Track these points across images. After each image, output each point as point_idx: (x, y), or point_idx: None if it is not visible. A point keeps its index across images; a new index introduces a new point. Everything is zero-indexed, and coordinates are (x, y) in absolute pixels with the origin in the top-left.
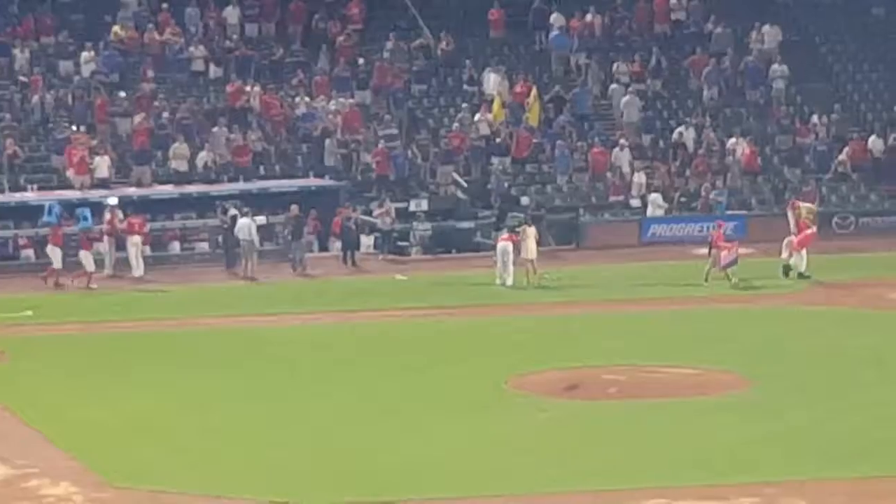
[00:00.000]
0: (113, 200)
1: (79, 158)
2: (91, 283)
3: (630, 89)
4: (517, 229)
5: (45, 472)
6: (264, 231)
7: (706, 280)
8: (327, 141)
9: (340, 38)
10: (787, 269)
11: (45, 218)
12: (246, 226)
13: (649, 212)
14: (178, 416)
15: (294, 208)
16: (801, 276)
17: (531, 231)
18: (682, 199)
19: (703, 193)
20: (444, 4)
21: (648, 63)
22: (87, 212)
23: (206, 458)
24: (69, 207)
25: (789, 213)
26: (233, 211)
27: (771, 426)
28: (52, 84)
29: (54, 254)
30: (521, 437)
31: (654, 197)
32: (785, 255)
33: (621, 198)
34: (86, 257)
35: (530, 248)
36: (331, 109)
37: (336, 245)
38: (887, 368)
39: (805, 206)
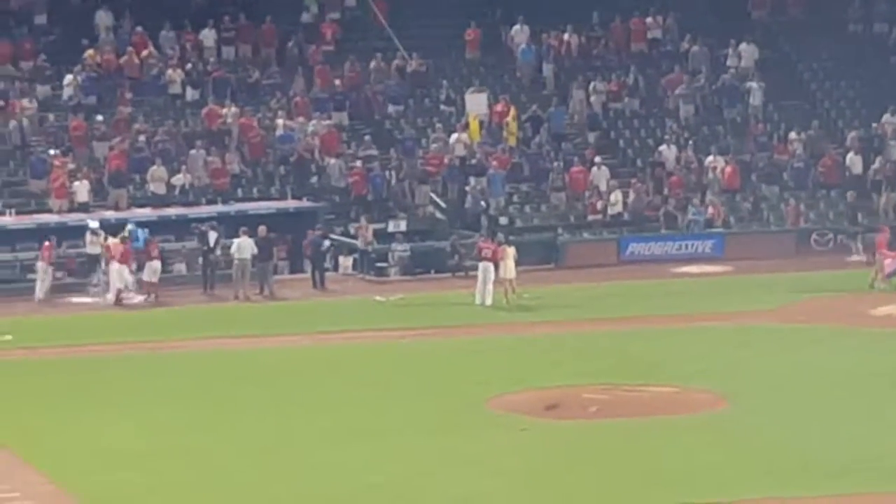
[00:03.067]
0: (94, 224)
1: (59, 183)
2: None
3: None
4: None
5: (26, 497)
6: None
7: (871, 287)
8: (331, 161)
9: (317, 60)
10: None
11: (135, 244)
12: (245, 245)
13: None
14: (156, 441)
15: (262, 229)
16: None
17: (510, 251)
18: (662, 218)
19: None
20: (420, 25)
21: (626, 82)
22: (139, 231)
23: (184, 485)
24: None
25: None
26: (213, 234)
27: (749, 444)
28: (29, 108)
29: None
30: (498, 457)
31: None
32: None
33: (599, 217)
34: (152, 269)
35: (509, 267)
36: (308, 131)
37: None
38: (864, 385)
39: None
